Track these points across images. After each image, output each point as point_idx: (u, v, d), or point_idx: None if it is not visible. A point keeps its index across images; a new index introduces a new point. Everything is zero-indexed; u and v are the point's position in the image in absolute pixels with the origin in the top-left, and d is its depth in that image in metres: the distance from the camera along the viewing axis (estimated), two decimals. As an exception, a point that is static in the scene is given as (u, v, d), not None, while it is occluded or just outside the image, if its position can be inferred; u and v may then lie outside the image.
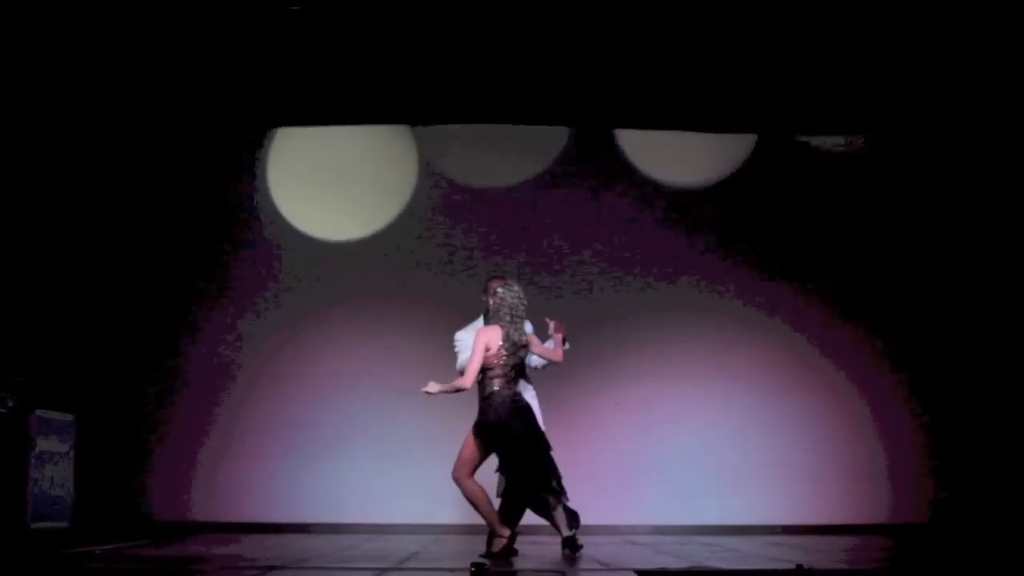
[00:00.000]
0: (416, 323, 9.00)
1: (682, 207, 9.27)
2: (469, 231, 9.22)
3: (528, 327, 6.29)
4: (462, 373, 6.16)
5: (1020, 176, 8.89)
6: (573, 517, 6.24)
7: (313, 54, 8.16)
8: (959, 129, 8.98)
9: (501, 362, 6.07)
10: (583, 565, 5.97)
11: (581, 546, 6.12)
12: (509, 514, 6.22)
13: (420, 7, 7.62)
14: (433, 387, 6.01)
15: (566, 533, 6.15)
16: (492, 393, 6.07)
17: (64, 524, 7.47)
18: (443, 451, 8.74)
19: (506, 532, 6.07)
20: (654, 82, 8.68)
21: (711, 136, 9.31)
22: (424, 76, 8.55)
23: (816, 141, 9.31)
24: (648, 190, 9.27)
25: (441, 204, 9.24)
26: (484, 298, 6.41)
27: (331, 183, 9.26)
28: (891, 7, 7.54)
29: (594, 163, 9.31)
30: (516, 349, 6.12)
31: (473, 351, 6.07)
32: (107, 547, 6.71)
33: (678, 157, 9.33)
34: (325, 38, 7.96)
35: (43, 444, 7.27)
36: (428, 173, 9.27)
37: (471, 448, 6.15)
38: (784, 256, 9.21)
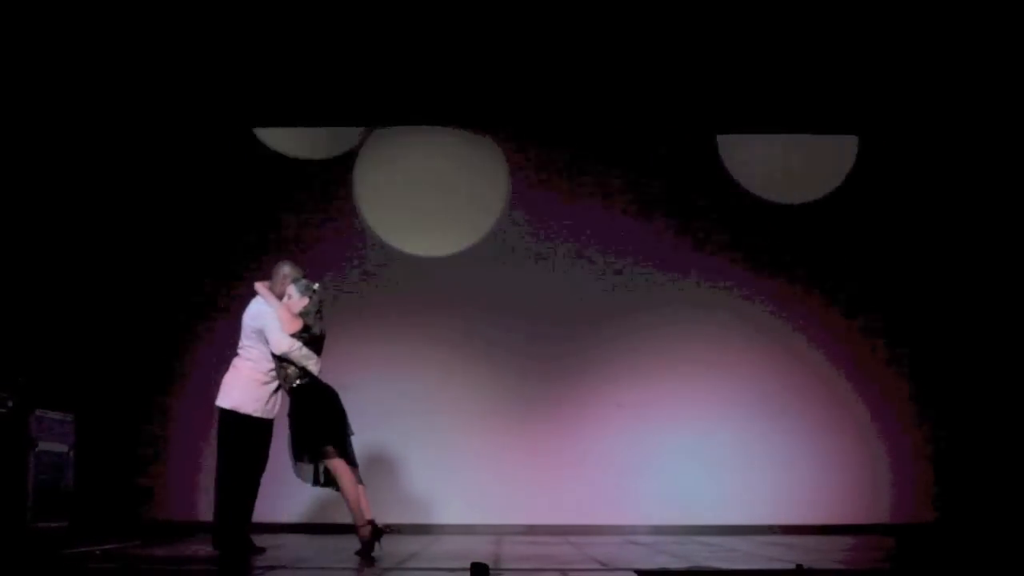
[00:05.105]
0: (414, 323, 9.01)
1: (682, 206, 9.25)
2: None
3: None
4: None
5: (1020, 174, 8.90)
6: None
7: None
8: (964, 129, 8.98)
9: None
10: (583, 565, 5.96)
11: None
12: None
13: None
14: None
15: None
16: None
17: (64, 524, 7.46)
18: (442, 451, 8.83)
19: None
20: (653, 83, 8.69)
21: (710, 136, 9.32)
22: (429, 74, 8.56)
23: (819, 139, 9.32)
24: (649, 190, 9.26)
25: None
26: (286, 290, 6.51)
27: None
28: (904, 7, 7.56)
29: (595, 164, 9.30)
30: (309, 341, 6.40)
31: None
32: (107, 547, 6.72)
33: (678, 156, 9.31)
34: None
35: (43, 444, 7.27)
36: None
37: None
38: (785, 256, 9.20)
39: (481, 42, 8.11)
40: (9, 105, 8.03)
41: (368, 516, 6.33)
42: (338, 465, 6.32)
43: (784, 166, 9.30)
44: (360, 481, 6.44)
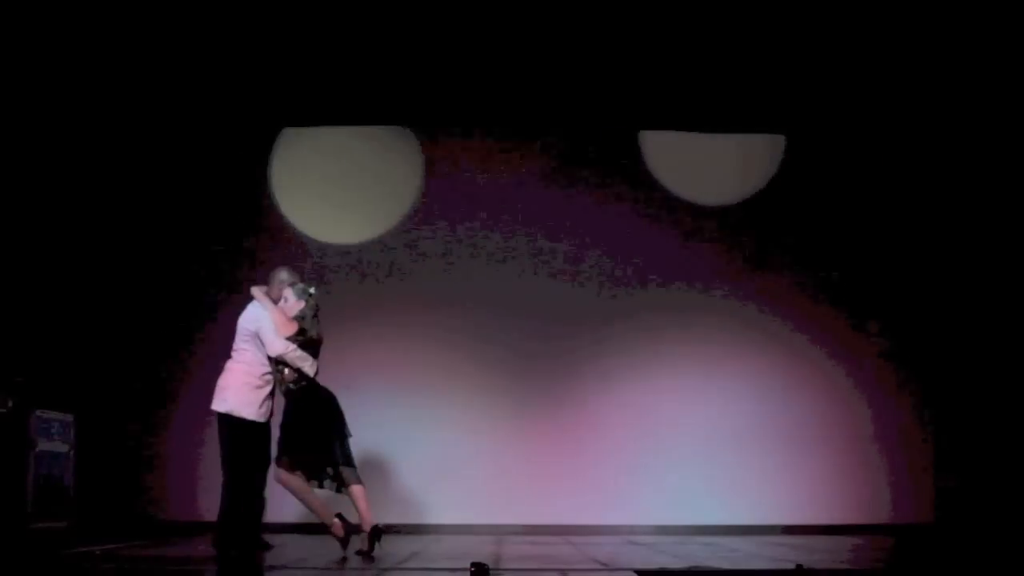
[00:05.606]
0: (412, 324, 9.01)
1: (683, 208, 9.25)
2: (472, 231, 9.22)
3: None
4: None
5: (1020, 175, 8.89)
6: None
7: (322, 53, 8.21)
8: (964, 128, 8.98)
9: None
10: (583, 565, 5.96)
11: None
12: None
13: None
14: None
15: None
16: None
17: (64, 524, 7.47)
18: (442, 451, 8.83)
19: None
20: (650, 84, 8.70)
21: (711, 136, 9.30)
22: (429, 76, 8.54)
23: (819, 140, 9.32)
24: (649, 192, 9.26)
25: (444, 207, 9.24)
26: (282, 293, 6.54)
27: (338, 187, 9.26)
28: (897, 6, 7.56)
29: (595, 166, 9.30)
30: (305, 344, 6.42)
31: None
32: (107, 547, 6.72)
33: (678, 157, 9.31)
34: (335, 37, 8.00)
35: (43, 444, 7.28)
36: (432, 175, 9.26)
37: None
38: (785, 256, 9.20)
39: (465, 42, 8.13)
40: (10, 107, 8.02)
41: (368, 517, 6.33)
42: (288, 478, 6.32)
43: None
44: (359, 481, 6.44)
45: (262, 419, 6.42)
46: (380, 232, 9.18)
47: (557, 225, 9.22)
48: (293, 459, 6.32)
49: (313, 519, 8.33)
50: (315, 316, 6.49)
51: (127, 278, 9.01)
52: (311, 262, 8.87)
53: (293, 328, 6.36)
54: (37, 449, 7.18)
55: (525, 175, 9.28)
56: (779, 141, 9.34)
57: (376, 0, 7.70)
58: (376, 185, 9.27)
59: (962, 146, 9.07)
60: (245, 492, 6.34)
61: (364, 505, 6.38)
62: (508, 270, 9.18)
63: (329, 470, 6.44)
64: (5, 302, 7.90)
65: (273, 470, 6.41)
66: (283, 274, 6.63)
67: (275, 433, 6.47)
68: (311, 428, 6.35)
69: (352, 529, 6.39)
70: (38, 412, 7.27)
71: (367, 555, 6.23)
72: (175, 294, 9.01)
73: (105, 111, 8.80)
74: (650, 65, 8.45)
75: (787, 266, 9.19)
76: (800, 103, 8.93)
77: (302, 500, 6.40)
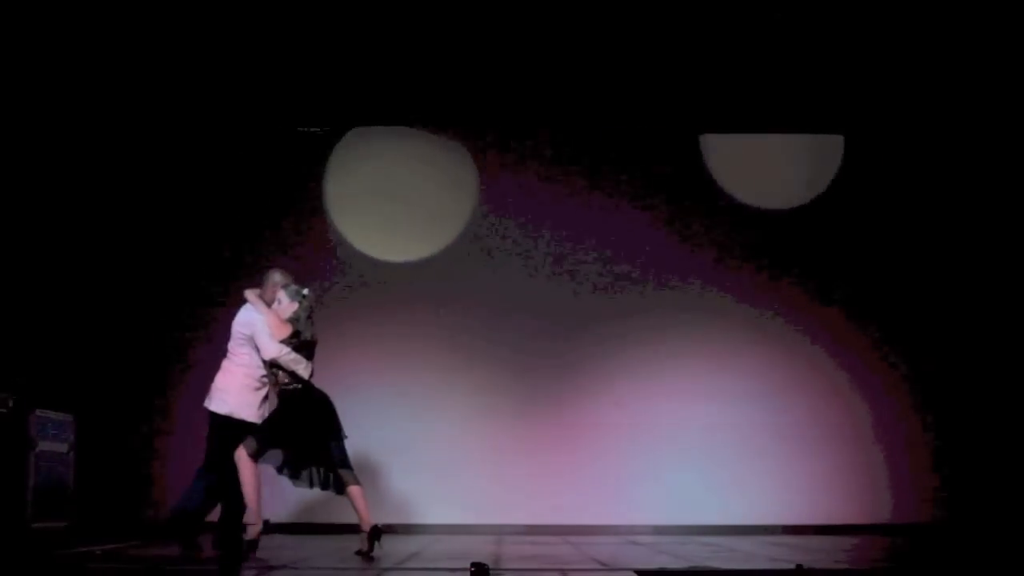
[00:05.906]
0: (415, 324, 9.01)
1: (684, 208, 9.26)
2: (473, 230, 9.22)
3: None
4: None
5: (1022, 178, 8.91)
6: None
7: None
8: (969, 130, 8.99)
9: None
10: (583, 565, 5.96)
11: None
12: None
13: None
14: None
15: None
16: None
17: (64, 524, 7.47)
18: (442, 451, 8.83)
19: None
20: (647, 84, 8.71)
21: (713, 136, 9.31)
22: (476, 78, 8.56)
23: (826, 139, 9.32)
24: (651, 192, 9.26)
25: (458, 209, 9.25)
26: (275, 294, 6.51)
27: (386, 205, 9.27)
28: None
29: (596, 165, 9.31)
30: (300, 346, 6.37)
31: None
32: (107, 547, 6.72)
33: (681, 157, 9.33)
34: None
35: (43, 444, 7.28)
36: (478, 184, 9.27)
37: None
38: (785, 256, 9.20)
39: (466, 41, 8.11)
40: (10, 107, 8.03)
41: (367, 517, 6.33)
42: (239, 455, 6.24)
43: (772, 170, 9.31)
44: (357, 482, 6.44)
45: (259, 420, 6.43)
46: (428, 254, 9.16)
47: (558, 225, 9.22)
48: (260, 448, 6.27)
49: (312, 519, 8.45)
50: (309, 318, 6.47)
51: (126, 278, 9.01)
52: (306, 262, 8.87)
53: (287, 331, 6.35)
54: (37, 449, 7.18)
55: (526, 177, 9.29)
56: (777, 147, 9.36)
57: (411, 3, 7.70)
58: (424, 206, 9.26)
59: (960, 145, 9.09)
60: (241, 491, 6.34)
61: (363, 505, 6.37)
62: (509, 271, 9.18)
63: (323, 471, 6.44)
64: (5, 302, 7.91)
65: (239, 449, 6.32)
66: (276, 276, 6.60)
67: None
68: (299, 429, 6.32)
69: (263, 534, 6.35)
70: (38, 412, 7.27)
71: (367, 555, 6.23)
72: (174, 294, 9.00)
73: (103, 113, 8.80)
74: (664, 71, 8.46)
75: (788, 267, 9.19)
76: (799, 104, 8.94)
77: (243, 486, 6.26)
